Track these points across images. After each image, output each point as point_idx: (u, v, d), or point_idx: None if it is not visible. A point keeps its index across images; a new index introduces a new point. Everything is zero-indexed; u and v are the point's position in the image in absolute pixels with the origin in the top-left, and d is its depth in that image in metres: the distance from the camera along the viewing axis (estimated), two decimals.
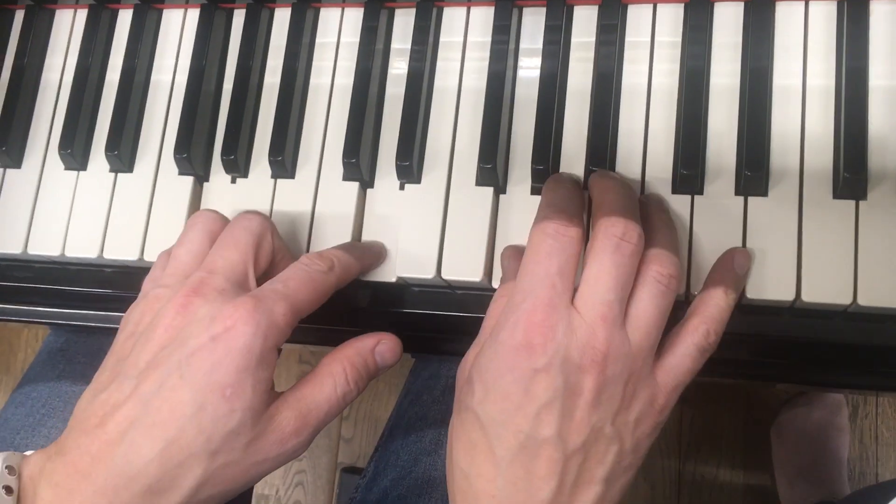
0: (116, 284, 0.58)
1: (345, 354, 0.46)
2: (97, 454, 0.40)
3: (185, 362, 0.40)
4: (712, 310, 0.44)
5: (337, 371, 0.45)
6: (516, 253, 0.48)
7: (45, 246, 0.56)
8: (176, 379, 0.40)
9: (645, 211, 0.47)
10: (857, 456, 1.27)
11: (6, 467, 0.40)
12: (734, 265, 0.46)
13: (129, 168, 0.57)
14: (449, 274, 0.51)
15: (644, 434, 0.42)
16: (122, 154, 0.56)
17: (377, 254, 0.51)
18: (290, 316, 0.43)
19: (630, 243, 0.42)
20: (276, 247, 0.48)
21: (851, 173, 0.46)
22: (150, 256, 0.55)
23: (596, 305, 0.41)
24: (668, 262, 0.43)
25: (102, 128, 0.58)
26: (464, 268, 0.51)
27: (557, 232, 0.42)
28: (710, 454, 1.31)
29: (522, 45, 0.54)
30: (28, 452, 0.43)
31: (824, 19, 0.50)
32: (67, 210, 0.57)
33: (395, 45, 0.55)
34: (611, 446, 0.41)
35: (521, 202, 0.51)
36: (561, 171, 0.51)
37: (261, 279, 0.46)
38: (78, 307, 0.60)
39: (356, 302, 0.53)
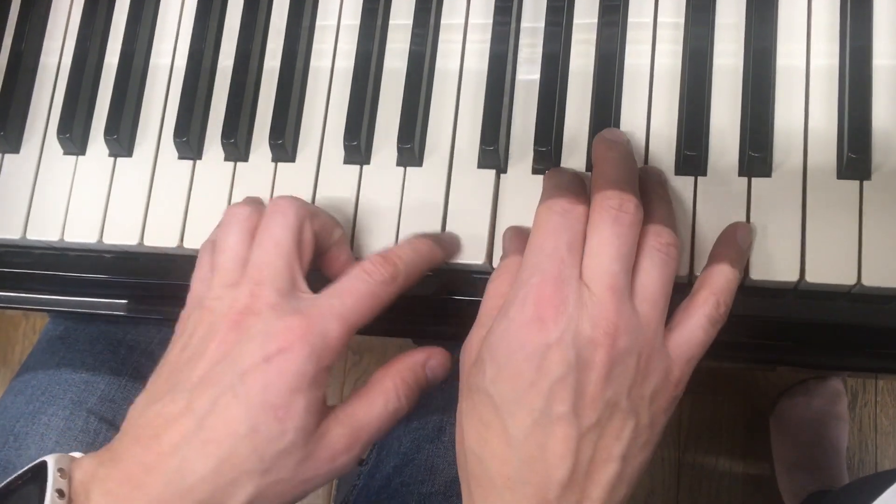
0: (116, 270, 0.57)
1: (396, 370, 0.45)
2: (151, 466, 0.40)
3: (238, 381, 0.40)
4: (721, 281, 0.44)
5: (388, 387, 0.44)
6: (518, 233, 0.47)
7: (44, 231, 0.56)
8: (230, 398, 0.40)
9: (643, 185, 0.46)
10: (856, 445, 1.27)
11: (58, 470, 0.40)
12: (737, 238, 0.46)
13: (128, 152, 0.56)
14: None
15: (661, 409, 0.42)
16: (122, 138, 0.56)
17: (448, 248, 0.49)
18: (345, 336, 0.43)
19: (627, 213, 0.41)
20: (318, 230, 0.47)
21: (856, 153, 0.45)
22: (150, 241, 0.55)
23: (603, 276, 0.40)
24: (665, 232, 0.43)
25: (101, 112, 0.57)
26: (466, 250, 0.50)
27: (564, 209, 0.42)
28: (710, 444, 1.31)
29: (524, 25, 0.53)
30: (76, 454, 0.43)
31: None
32: (66, 195, 0.56)
33: (395, 27, 0.55)
34: (627, 422, 0.41)
35: (522, 184, 0.51)
36: (564, 151, 0.50)
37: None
38: (78, 293, 0.60)
39: None
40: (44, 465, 0.40)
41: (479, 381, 0.41)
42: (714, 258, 0.45)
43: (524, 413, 0.40)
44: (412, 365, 0.46)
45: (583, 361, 0.39)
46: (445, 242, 0.50)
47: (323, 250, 0.48)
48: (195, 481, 0.40)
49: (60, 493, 0.39)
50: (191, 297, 0.47)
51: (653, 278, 0.42)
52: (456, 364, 0.47)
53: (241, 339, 0.42)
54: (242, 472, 0.40)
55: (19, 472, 0.41)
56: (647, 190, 0.46)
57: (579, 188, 0.44)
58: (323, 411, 0.43)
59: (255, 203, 0.48)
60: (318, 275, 0.49)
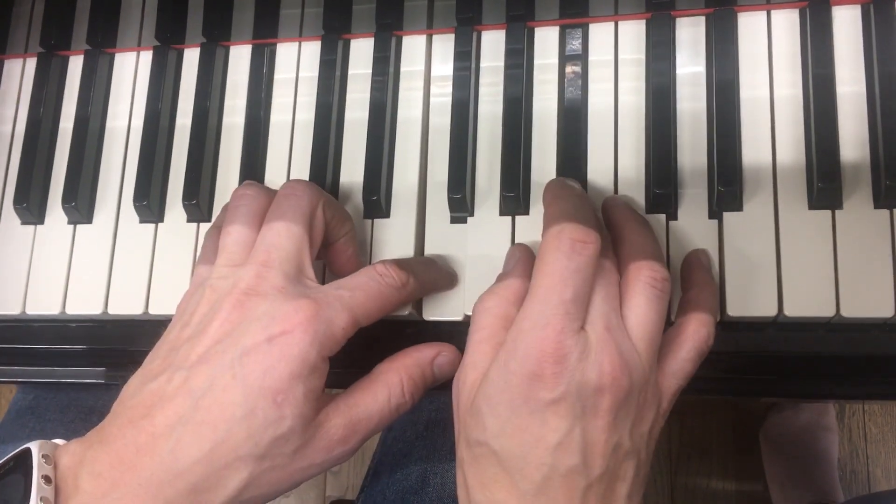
0: (82, 339, 0.56)
1: (402, 364, 0.44)
2: (143, 446, 0.39)
3: (238, 361, 0.39)
4: (706, 312, 0.44)
5: (393, 381, 0.43)
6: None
7: (4, 305, 0.54)
8: (228, 378, 0.39)
9: (615, 216, 0.46)
10: (847, 455, 1.27)
11: (42, 456, 0.39)
12: (704, 263, 0.46)
13: (88, 219, 0.55)
14: (430, 314, 0.49)
15: (654, 440, 0.42)
16: (80, 205, 0.54)
17: (449, 279, 0.49)
18: (349, 328, 0.42)
19: (584, 255, 0.40)
20: (330, 219, 0.46)
21: (825, 183, 0.45)
22: (115, 309, 0.53)
23: (599, 319, 0.40)
24: (658, 266, 0.42)
25: (58, 179, 0.56)
26: (443, 305, 0.49)
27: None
28: (701, 464, 1.30)
29: (483, 64, 0.52)
30: (59, 441, 0.41)
31: (787, 28, 0.49)
32: (26, 266, 0.55)
33: (354, 77, 0.54)
34: (629, 461, 0.40)
35: (490, 225, 0.50)
36: (531, 196, 0.49)
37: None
38: (44, 364, 0.58)
39: None
40: (28, 451, 0.39)
41: (479, 434, 0.40)
42: (693, 287, 0.45)
43: (532, 469, 0.39)
44: (420, 360, 0.44)
45: (589, 411, 0.38)
46: (448, 272, 0.49)
47: (331, 241, 0.47)
48: (188, 464, 0.38)
49: (46, 479, 0.38)
50: (194, 280, 0.46)
51: (648, 315, 0.41)
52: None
53: (245, 318, 0.40)
54: (237, 457, 0.39)
55: (2, 460, 0.39)
56: (625, 219, 0.45)
57: (590, 214, 0.42)
58: (322, 399, 0.41)
59: (260, 186, 0.47)
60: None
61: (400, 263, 0.45)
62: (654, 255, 0.43)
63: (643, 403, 0.40)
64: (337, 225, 0.46)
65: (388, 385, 0.43)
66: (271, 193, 0.45)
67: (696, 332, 0.43)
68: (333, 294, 0.42)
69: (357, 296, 0.42)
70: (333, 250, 0.47)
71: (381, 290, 0.43)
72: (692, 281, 0.45)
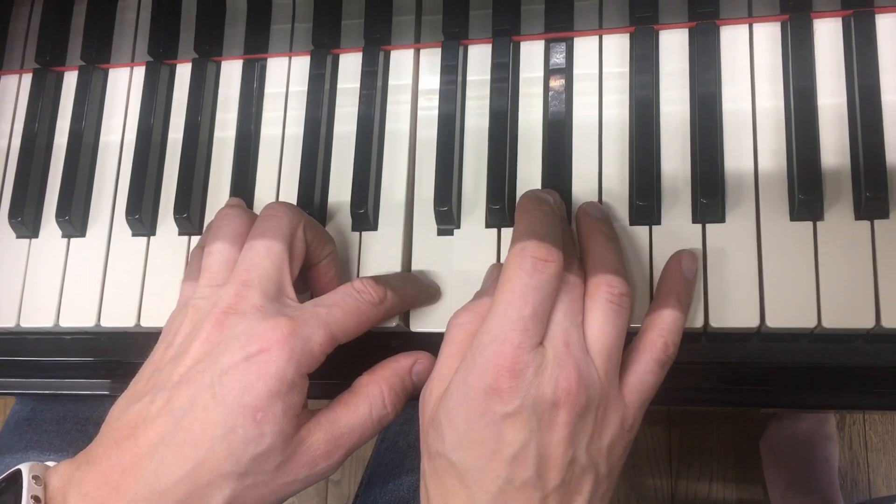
0: (77, 352, 0.56)
1: (382, 375, 0.44)
2: (128, 467, 0.40)
3: (217, 380, 0.40)
4: (667, 321, 0.44)
5: (374, 393, 0.44)
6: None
7: None
8: (208, 398, 0.40)
9: (586, 227, 0.46)
10: (847, 463, 1.26)
11: (32, 477, 0.40)
12: (682, 270, 0.46)
13: (81, 233, 0.56)
14: (418, 326, 0.50)
15: (617, 457, 0.42)
16: (74, 219, 0.55)
17: (430, 294, 0.49)
18: (327, 345, 0.42)
19: (545, 273, 0.40)
20: (311, 241, 0.46)
21: (806, 195, 0.45)
22: (108, 321, 0.54)
23: (556, 334, 0.40)
24: (616, 281, 0.42)
25: (53, 193, 0.57)
26: (430, 318, 0.50)
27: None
28: (702, 472, 1.30)
29: (470, 85, 0.53)
30: (50, 463, 0.42)
31: (769, 41, 0.49)
32: (21, 279, 0.56)
33: (343, 91, 0.55)
34: (587, 476, 0.40)
35: (476, 237, 0.50)
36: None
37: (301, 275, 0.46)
38: (40, 376, 0.59)
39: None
40: (18, 473, 0.40)
41: (438, 445, 0.40)
42: (660, 294, 0.45)
43: (488, 481, 0.39)
44: (399, 370, 0.45)
45: (544, 425, 0.39)
46: (429, 286, 0.49)
47: (313, 262, 0.48)
48: (171, 483, 0.39)
49: (36, 499, 0.39)
50: (179, 299, 0.47)
51: (606, 330, 0.41)
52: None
53: (224, 338, 0.41)
54: (219, 474, 0.39)
55: None
56: (591, 230, 0.45)
57: (555, 232, 0.42)
58: (304, 415, 0.42)
59: (244, 206, 0.47)
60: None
61: (377, 280, 0.45)
62: (614, 270, 0.43)
63: (602, 418, 0.40)
64: (318, 247, 0.47)
65: (369, 397, 0.43)
66: (254, 215, 0.46)
67: (653, 343, 0.43)
68: (311, 311, 0.42)
69: (334, 312, 0.43)
70: (315, 272, 0.48)
71: (359, 306, 0.44)
72: (658, 289, 0.46)
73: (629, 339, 0.44)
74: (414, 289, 0.48)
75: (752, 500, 1.28)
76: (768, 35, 0.49)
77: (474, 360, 0.40)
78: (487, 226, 0.50)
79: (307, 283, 0.49)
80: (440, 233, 0.51)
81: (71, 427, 0.68)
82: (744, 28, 0.50)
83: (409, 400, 0.45)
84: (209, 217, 0.54)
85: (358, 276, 0.51)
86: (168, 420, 0.40)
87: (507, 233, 0.50)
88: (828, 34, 0.49)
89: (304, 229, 0.46)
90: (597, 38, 0.52)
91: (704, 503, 1.29)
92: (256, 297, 0.42)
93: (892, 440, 1.26)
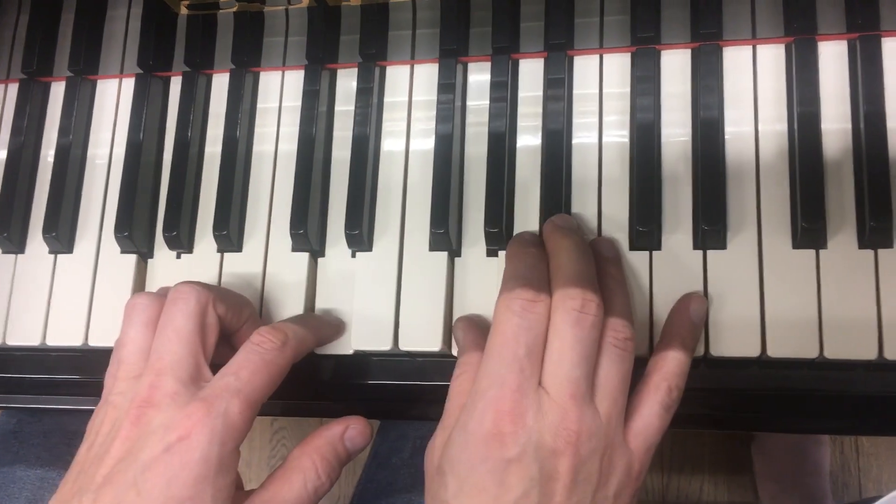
0: (64, 369, 0.55)
1: (313, 447, 0.44)
2: None
3: (140, 477, 0.39)
4: (671, 365, 0.43)
5: (307, 466, 0.43)
6: (470, 325, 0.46)
7: None
8: (133, 496, 0.39)
9: (596, 266, 0.45)
10: (839, 468, 1.27)
11: None
12: (690, 313, 0.45)
13: (68, 249, 0.54)
14: (406, 344, 0.49)
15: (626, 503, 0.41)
16: (61, 235, 0.54)
17: (334, 326, 0.50)
18: (247, 412, 0.41)
19: (589, 315, 0.40)
20: (223, 314, 0.46)
21: (809, 223, 0.44)
22: (95, 340, 0.53)
23: (564, 384, 0.39)
24: (622, 325, 0.42)
25: (39, 207, 0.55)
26: (421, 337, 0.49)
27: (524, 309, 0.41)
28: (693, 474, 1.30)
29: (469, 103, 0.52)
30: None
31: (773, 63, 0.49)
32: (7, 296, 0.54)
33: (338, 107, 0.54)
34: None
35: (477, 264, 0.49)
36: (516, 230, 0.49)
37: (220, 349, 0.45)
38: (26, 392, 0.58)
39: (318, 375, 0.51)
40: None
41: (442, 494, 0.40)
42: (665, 337, 0.44)
43: None
44: (330, 439, 0.44)
45: (546, 473, 0.38)
46: (328, 324, 0.49)
47: (232, 331, 0.47)
48: None
49: None
50: (103, 393, 0.46)
51: (611, 375, 0.41)
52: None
53: (142, 434, 0.40)
54: None
55: None
56: (601, 273, 0.45)
57: (541, 275, 0.43)
58: (238, 496, 0.41)
59: (155, 293, 0.47)
60: None
61: (274, 326, 0.45)
62: (620, 314, 0.42)
63: (608, 466, 0.40)
64: (234, 315, 0.46)
65: (303, 470, 0.43)
66: (163, 299, 0.45)
67: (657, 387, 0.42)
68: (220, 385, 0.41)
69: (242, 376, 0.42)
70: (238, 338, 0.47)
71: (264, 357, 0.43)
72: (664, 330, 0.45)
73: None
74: (315, 324, 0.47)
75: (744, 503, 1.28)
76: (772, 57, 0.48)
77: (474, 406, 0.39)
78: (488, 254, 0.49)
79: (234, 348, 0.47)
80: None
81: (58, 441, 0.67)
82: (747, 50, 0.49)
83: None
84: (199, 235, 0.53)
85: (353, 303, 0.50)
86: None
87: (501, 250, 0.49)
88: (833, 58, 0.48)
89: (214, 304, 0.45)
90: (597, 57, 0.51)
91: None
92: (170, 384, 0.41)
93: (884, 445, 1.27)
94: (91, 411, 0.59)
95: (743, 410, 0.49)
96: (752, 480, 1.27)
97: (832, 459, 1.26)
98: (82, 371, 0.55)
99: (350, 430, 0.45)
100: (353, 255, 0.51)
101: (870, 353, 0.44)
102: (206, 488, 0.39)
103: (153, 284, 0.53)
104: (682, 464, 1.30)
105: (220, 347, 0.46)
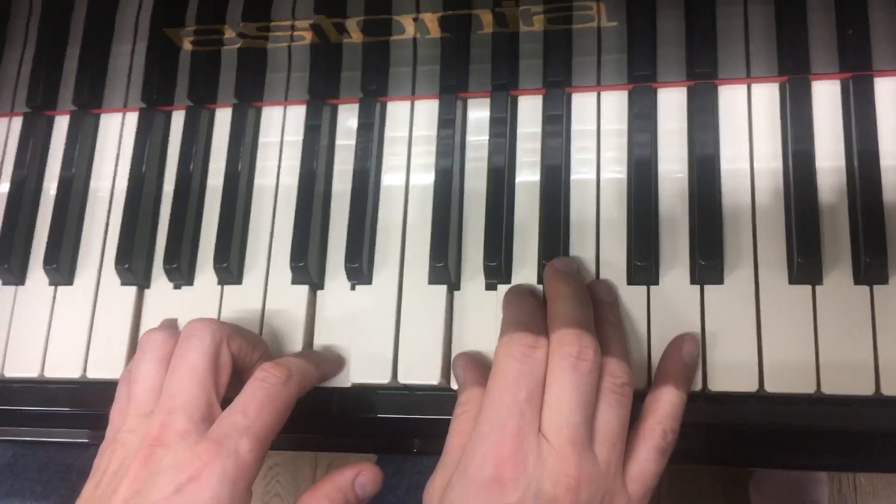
0: (62, 402, 0.55)
1: (323, 492, 0.44)
2: None
3: None
4: (666, 407, 0.43)
5: None
6: (470, 362, 0.46)
7: None
8: None
9: (594, 310, 0.46)
10: None
11: None
12: (683, 355, 0.45)
13: (69, 281, 0.55)
14: (405, 377, 0.49)
15: None
16: (62, 267, 0.54)
17: (336, 362, 0.50)
18: (256, 450, 0.41)
19: (586, 361, 0.41)
20: (237, 352, 0.46)
21: (805, 259, 0.45)
22: (94, 373, 0.53)
23: (562, 430, 0.39)
24: (619, 370, 0.42)
25: (41, 239, 0.56)
26: (420, 370, 0.49)
27: (524, 354, 0.41)
28: None
29: (469, 138, 0.53)
30: None
31: (767, 102, 0.49)
32: (6, 327, 0.55)
33: (339, 142, 0.54)
34: None
35: (476, 298, 0.50)
36: (515, 264, 0.49)
37: (231, 385, 0.45)
38: (22, 424, 0.58)
39: (316, 408, 0.51)
40: None
41: None
42: (658, 379, 0.45)
43: None
44: (341, 484, 0.44)
45: None
46: (329, 360, 0.49)
47: (244, 368, 0.47)
48: None
49: None
50: (109, 429, 0.45)
51: (610, 421, 0.41)
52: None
53: (152, 474, 0.40)
54: None
55: None
56: (598, 317, 0.45)
57: (540, 321, 0.43)
58: None
59: (170, 328, 0.47)
60: None
61: (276, 361, 0.45)
62: (617, 359, 0.43)
63: None
64: (247, 353, 0.46)
65: None
66: (178, 334, 0.45)
67: (652, 430, 0.42)
68: (229, 423, 0.42)
69: (249, 414, 0.42)
70: (249, 376, 0.47)
71: (269, 393, 0.43)
72: (657, 373, 0.45)
73: None
74: (317, 359, 0.48)
75: None
76: (767, 96, 0.49)
77: (475, 451, 0.40)
78: (487, 288, 0.50)
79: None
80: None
81: (53, 475, 0.67)
82: (742, 89, 0.50)
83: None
84: (200, 267, 0.53)
85: (352, 336, 0.50)
86: None
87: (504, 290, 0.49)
88: (826, 97, 0.49)
89: (228, 342, 0.45)
90: (595, 94, 0.52)
91: None
92: (182, 423, 0.41)
93: (882, 484, 1.26)
94: (87, 444, 0.59)
95: (740, 446, 0.49)
96: None
97: (830, 498, 1.25)
98: (80, 403, 0.55)
99: (361, 477, 0.44)
100: (353, 288, 0.51)
101: (867, 389, 0.44)
102: None
103: (153, 316, 0.53)
104: (679, 501, 1.29)
105: (231, 383, 0.46)
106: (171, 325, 0.47)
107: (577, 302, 0.44)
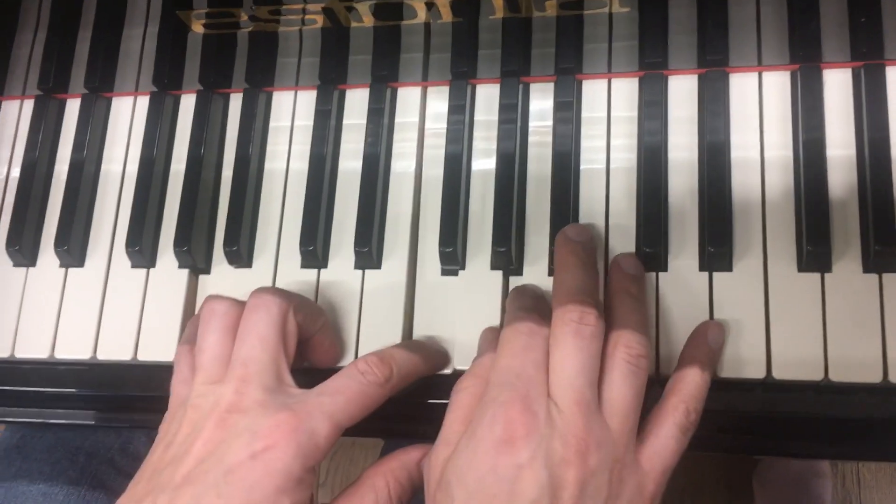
0: (71, 383, 0.55)
1: (389, 467, 0.44)
2: None
3: (222, 480, 0.39)
4: (690, 387, 0.43)
5: (380, 485, 0.43)
6: (495, 334, 0.46)
7: None
8: (213, 497, 0.39)
9: (614, 283, 0.46)
10: (840, 501, 1.26)
11: None
12: (708, 339, 0.45)
13: (79, 263, 0.55)
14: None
15: None
16: (73, 249, 0.54)
17: (444, 356, 0.49)
18: (332, 437, 0.42)
19: (589, 325, 0.41)
20: (302, 321, 0.46)
21: (814, 246, 0.45)
22: (104, 354, 0.53)
23: (568, 391, 0.40)
24: (635, 341, 0.42)
25: (52, 222, 0.56)
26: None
27: (531, 330, 0.42)
28: None
29: (477, 118, 0.53)
30: None
31: (778, 90, 0.49)
32: (17, 308, 0.55)
33: (348, 127, 0.54)
34: None
35: (485, 282, 0.50)
36: (526, 253, 0.50)
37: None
38: (32, 405, 0.58)
39: None
40: None
41: None
42: (683, 361, 0.45)
43: None
44: (406, 463, 0.44)
45: (555, 481, 0.38)
46: (436, 352, 0.49)
47: (306, 337, 0.47)
48: None
49: None
50: (173, 400, 0.46)
51: (623, 391, 0.41)
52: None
53: (228, 436, 0.40)
54: None
55: None
56: (619, 289, 0.45)
57: (543, 310, 0.44)
58: None
59: (232, 298, 0.47)
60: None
61: (383, 357, 0.44)
62: (635, 330, 0.43)
63: (618, 481, 0.40)
64: (310, 323, 0.46)
65: (375, 489, 0.43)
66: (242, 305, 0.45)
67: (674, 409, 0.42)
68: (314, 402, 0.42)
69: (338, 401, 0.42)
70: (310, 345, 0.48)
71: (363, 389, 0.43)
72: (682, 354, 0.45)
73: None
74: (421, 359, 0.47)
75: None
76: (778, 84, 0.49)
77: (483, 414, 0.40)
78: (493, 267, 0.50)
79: (303, 355, 0.48)
80: (444, 273, 0.51)
81: (61, 456, 0.67)
82: (753, 76, 0.50)
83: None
84: (213, 251, 0.54)
85: (360, 315, 0.50)
86: None
87: (512, 276, 0.49)
88: (837, 85, 0.48)
89: (294, 312, 0.45)
90: (605, 81, 0.52)
91: None
92: (257, 392, 0.42)
93: (885, 478, 1.26)
94: (95, 426, 0.59)
95: (747, 433, 0.49)
96: None
97: (834, 492, 1.25)
98: (89, 385, 0.55)
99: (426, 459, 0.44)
100: (362, 274, 0.51)
101: (875, 377, 0.44)
102: (284, 499, 0.39)
103: (166, 300, 0.53)
104: (683, 495, 1.29)
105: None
106: (228, 298, 0.47)
107: (583, 272, 0.44)
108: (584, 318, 0.41)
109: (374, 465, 0.44)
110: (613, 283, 0.46)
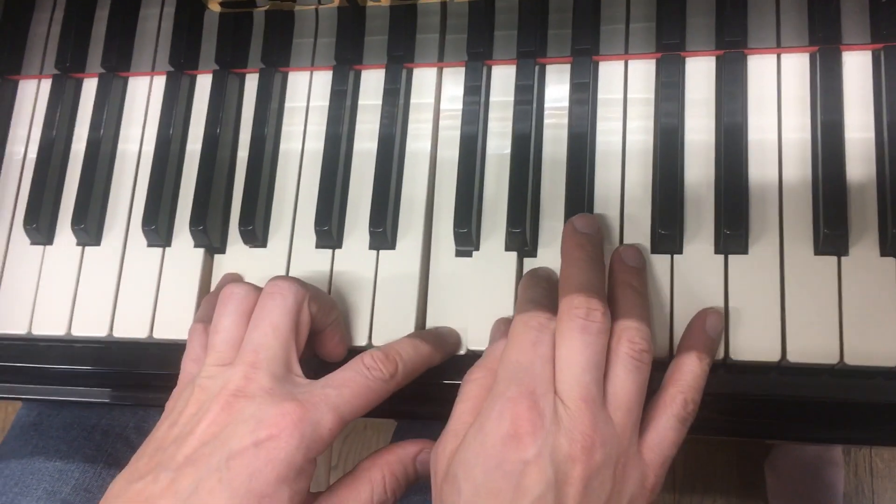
0: (87, 360, 0.56)
1: (385, 460, 0.44)
2: None
3: (224, 465, 0.39)
4: (687, 377, 0.43)
5: (376, 478, 0.43)
6: (503, 326, 0.47)
7: (10, 324, 0.55)
8: (215, 482, 0.39)
9: (617, 275, 0.46)
10: (853, 490, 1.26)
11: None
12: (706, 328, 0.45)
13: (96, 241, 0.55)
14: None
15: None
16: (89, 227, 0.55)
17: (456, 341, 0.49)
18: (336, 429, 0.42)
19: (595, 322, 0.41)
20: (315, 312, 0.46)
21: (831, 230, 0.45)
22: (120, 332, 0.53)
23: (574, 388, 0.40)
24: (638, 336, 0.42)
25: (69, 201, 0.56)
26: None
27: (541, 325, 0.42)
28: (705, 492, 1.29)
29: (493, 99, 0.53)
30: None
31: (797, 72, 0.49)
32: (34, 286, 0.55)
33: (364, 107, 0.54)
34: None
35: (495, 259, 0.50)
36: (540, 236, 0.49)
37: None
38: (48, 383, 0.58)
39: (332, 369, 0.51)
40: None
41: (454, 500, 0.40)
42: (681, 350, 0.45)
43: None
44: (403, 457, 0.45)
45: (561, 478, 0.38)
46: (446, 341, 0.49)
47: (318, 330, 0.47)
48: None
49: None
50: (182, 377, 0.46)
51: (626, 386, 0.41)
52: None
53: (232, 420, 0.41)
54: None
55: None
56: (621, 281, 0.45)
57: (554, 302, 0.44)
58: (307, 498, 0.42)
59: (250, 283, 0.47)
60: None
61: (388, 353, 0.45)
62: (638, 324, 0.43)
63: (621, 477, 0.40)
64: (323, 315, 0.47)
65: (371, 482, 0.43)
66: (259, 291, 0.46)
67: (672, 399, 0.43)
68: (320, 394, 0.42)
69: (343, 394, 0.42)
70: (321, 339, 0.48)
71: (368, 384, 0.43)
72: (681, 344, 0.45)
73: None
74: (428, 352, 0.47)
75: None
76: (796, 66, 0.49)
77: (491, 409, 0.40)
78: (507, 248, 0.50)
79: (312, 347, 0.48)
80: (458, 254, 0.51)
81: (77, 434, 0.67)
82: (772, 58, 0.49)
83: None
84: (228, 229, 0.54)
85: (374, 294, 0.51)
86: (171, 501, 0.39)
87: (526, 258, 0.49)
88: (857, 68, 0.48)
89: (309, 303, 0.45)
90: (622, 62, 0.51)
91: None
92: (265, 379, 0.42)
93: None
94: (111, 405, 0.60)
95: (761, 417, 0.49)
96: (764, 500, 1.26)
97: (846, 481, 1.25)
98: (104, 362, 0.56)
99: (424, 454, 0.45)
100: (377, 255, 0.51)
101: (890, 361, 0.44)
102: (284, 489, 0.39)
103: (181, 279, 0.54)
104: (694, 482, 1.29)
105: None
106: (245, 282, 0.48)
107: (589, 266, 0.44)
108: (590, 314, 0.41)
109: (371, 458, 0.45)
110: (615, 276, 0.46)
